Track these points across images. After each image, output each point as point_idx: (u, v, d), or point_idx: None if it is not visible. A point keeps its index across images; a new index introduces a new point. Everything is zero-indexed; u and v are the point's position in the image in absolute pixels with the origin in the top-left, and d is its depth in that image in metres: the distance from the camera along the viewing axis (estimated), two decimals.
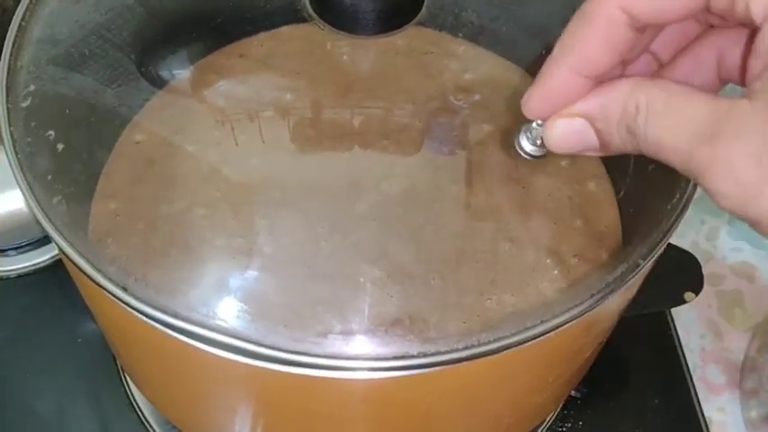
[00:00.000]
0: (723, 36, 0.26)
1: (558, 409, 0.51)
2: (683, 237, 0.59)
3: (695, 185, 0.33)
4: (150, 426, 0.50)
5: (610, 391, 0.53)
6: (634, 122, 0.23)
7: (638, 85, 0.23)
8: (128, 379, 0.51)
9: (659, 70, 0.28)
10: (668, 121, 0.22)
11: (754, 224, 0.22)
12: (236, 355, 0.29)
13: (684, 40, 0.27)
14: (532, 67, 0.41)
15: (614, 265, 0.32)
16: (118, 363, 0.51)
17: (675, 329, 0.56)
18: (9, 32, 0.36)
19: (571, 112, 0.25)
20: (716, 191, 0.21)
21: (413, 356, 0.29)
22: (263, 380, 0.31)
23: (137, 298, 0.30)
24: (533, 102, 0.25)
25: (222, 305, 0.33)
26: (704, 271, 0.46)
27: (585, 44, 0.23)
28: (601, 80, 0.25)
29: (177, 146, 0.39)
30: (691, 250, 0.47)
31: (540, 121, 0.27)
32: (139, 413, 0.50)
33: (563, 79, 0.24)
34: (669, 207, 0.32)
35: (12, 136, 0.34)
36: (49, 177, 0.34)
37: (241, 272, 0.34)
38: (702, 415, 0.52)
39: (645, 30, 0.24)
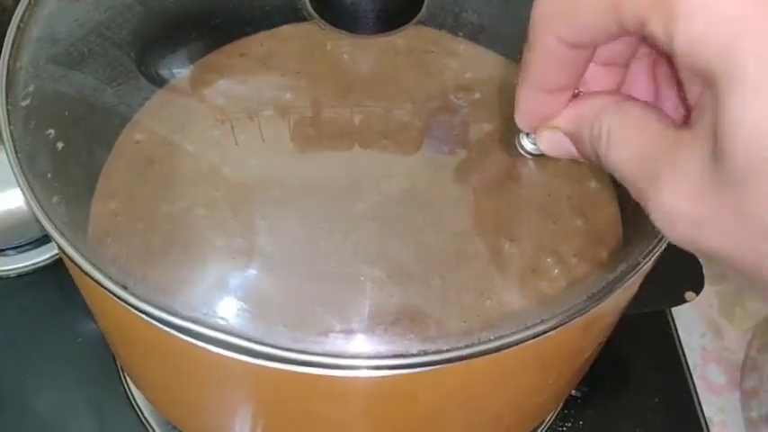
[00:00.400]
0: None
1: (559, 409, 0.51)
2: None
3: None
4: (150, 426, 0.50)
5: (610, 390, 0.53)
6: (599, 148, 0.24)
7: (601, 111, 0.24)
8: (128, 379, 0.51)
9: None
10: (623, 152, 0.23)
11: (707, 258, 0.22)
12: (236, 354, 0.29)
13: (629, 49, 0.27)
14: None
15: (614, 265, 0.32)
16: (118, 363, 0.51)
17: (676, 329, 0.56)
18: (8, 32, 0.36)
19: (552, 124, 0.26)
20: (661, 226, 0.22)
21: (413, 355, 0.29)
22: (263, 379, 0.31)
23: (137, 297, 0.30)
24: (520, 119, 0.27)
25: (222, 304, 0.33)
26: (705, 270, 0.46)
27: (538, 67, 0.25)
28: (576, 85, 0.26)
29: (177, 145, 0.39)
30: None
31: None
32: (139, 413, 0.50)
33: (533, 99, 0.26)
34: None
35: (11, 135, 0.34)
36: (49, 176, 0.34)
37: (241, 271, 0.34)
38: (703, 415, 0.52)
39: (586, 47, 0.24)
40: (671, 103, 0.26)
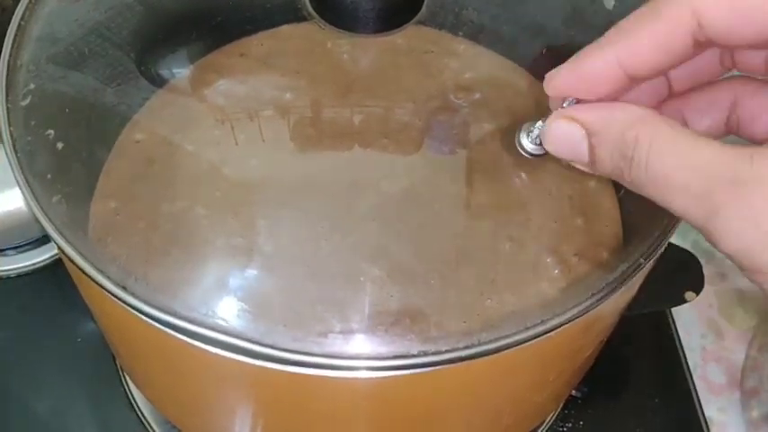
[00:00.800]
0: (743, 84, 0.26)
1: (559, 409, 0.51)
2: (685, 236, 0.59)
3: None
4: (150, 426, 0.50)
5: (610, 390, 0.53)
6: (632, 151, 0.23)
7: (645, 117, 0.23)
8: (128, 379, 0.51)
9: (668, 99, 0.27)
10: (677, 160, 0.22)
11: (756, 273, 0.21)
12: (235, 355, 0.29)
13: (704, 76, 0.27)
14: (533, 66, 0.41)
15: (615, 265, 0.32)
16: (118, 363, 0.51)
17: (676, 329, 0.56)
18: (9, 31, 0.36)
19: (574, 115, 0.24)
20: (726, 230, 0.21)
21: (413, 356, 0.29)
22: (262, 379, 0.31)
23: (137, 297, 0.30)
24: (561, 76, 0.25)
25: (222, 304, 0.33)
26: (705, 270, 0.46)
27: (642, 37, 0.23)
28: (631, 85, 0.24)
29: (177, 145, 0.38)
30: (692, 250, 0.47)
31: (541, 122, 0.27)
32: (139, 413, 0.50)
33: (601, 63, 0.24)
34: None
35: (11, 135, 0.33)
36: (49, 176, 0.34)
37: (241, 271, 0.34)
38: (703, 415, 0.52)
39: (706, 46, 0.23)
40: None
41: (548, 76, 0.25)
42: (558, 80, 0.25)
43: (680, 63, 0.24)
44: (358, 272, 0.34)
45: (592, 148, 0.24)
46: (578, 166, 0.26)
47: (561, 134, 0.25)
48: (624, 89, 0.25)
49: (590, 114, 0.24)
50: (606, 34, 0.24)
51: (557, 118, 0.25)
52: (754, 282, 0.22)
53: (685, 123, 0.27)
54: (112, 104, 0.39)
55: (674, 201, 0.22)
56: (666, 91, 0.27)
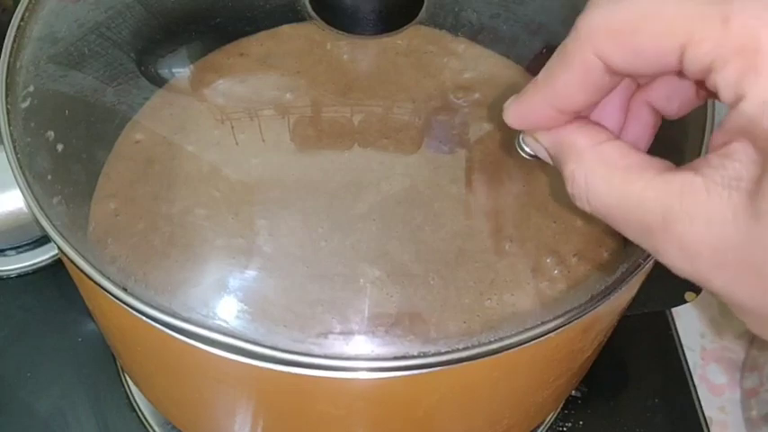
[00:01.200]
0: None
1: (559, 409, 0.51)
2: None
3: None
4: (150, 426, 0.50)
5: (610, 390, 0.53)
6: (571, 189, 0.24)
7: (579, 156, 0.24)
8: (128, 379, 0.51)
9: (635, 92, 0.27)
10: (613, 200, 0.23)
11: (715, 296, 0.22)
12: (236, 356, 0.29)
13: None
14: (532, 66, 0.41)
15: (615, 265, 0.32)
16: (118, 363, 0.51)
17: (676, 329, 0.56)
18: (9, 31, 0.36)
19: (536, 137, 0.26)
20: (672, 267, 0.22)
21: (413, 357, 0.29)
22: (262, 380, 0.31)
23: (137, 298, 0.30)
24: (511, 114, 0.26)
25: (222, 305, 0.33)
26: None
27: (562, 82, 0.24)
28: (577, 114, 0.25)
29: (177, 145, 0.38)
30: None
31: None
32: (139, 413, 0.50)
33: (538, 107, 0.25)
34: None
35: (11, 136, 0.34)
36: (49, 177, 0.34)
37: (241, 272, 0.34)
38: (703, 414, 0.52)
39: (624, 76, 0.24)
40: (633, 136, 0.26)
41: (504, 106, 0.26)
42: (510, 115, 0.26)
43: (609, 92, 0.24)
44: (358, 272, 0.34)
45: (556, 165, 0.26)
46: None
47: (534, 147, 0.27)
48: (566, 120, 0.25)
49: (546, 140, 0.26)
50: (539, 75, 0.25)
51: (525, 135, 0.27)
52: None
53: (656, 112, 0.27)
54: (112, 104, 0.39)
55: (624, 232, 0.23)
56: (634, 85, 0.27)
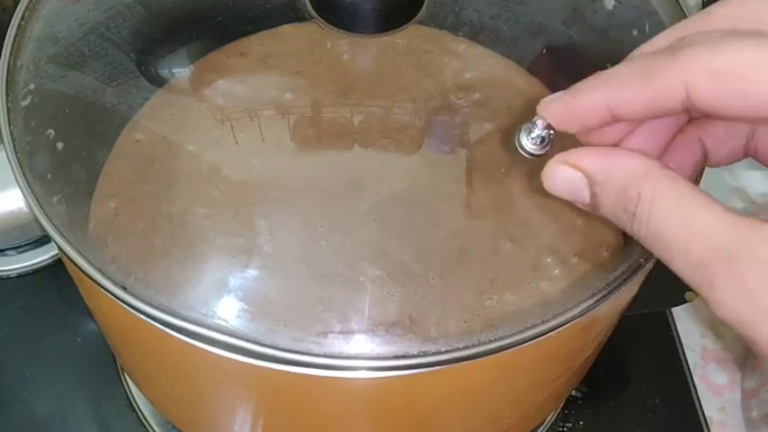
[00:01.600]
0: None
1: (559, 409, 0.51)
2: None
3: (696, 185, 0.33)
4: (150, 426, 0.50)
5: (610, 390, 0.53)
6: (634, 207, 0.23)
7: (648, 171, 0.23)
8: (128, 379, 0.51)
9: (686, 126, 0.27)
10: (677, 223, 0.22)
11: (752, 343, 0.22)
12: (236, 355, 0.29)
13: None
14: (533, 66, 0.41)
15: (615, 265, 0.32)
16: (118, 363, 0.51)
17: (676, 329, 0.56)
18: (9, 31, 0.36)
19: (576, 163, 0.25)
20: (721, 302, 0.21)
21: (413, 356, 0.29)
22: (263, 379, 0.31)
23: (137, 297, 0.30)
24: (556, 105, 0.25)
25: (222, 304, 0.33)
26: None
27: (632, 92, 0.23)
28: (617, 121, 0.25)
29: (177, 145, 0.38)
30: None
31: (540, 121, 0.27)
32: (139, 413, 0.50)
33: (593, 103, 0.24)
34: None
35: (11, 135, 0.34)
36: (49, 176, 0.34)
37: (241, 271, 0.34)
38: (703, 415, 0.52)
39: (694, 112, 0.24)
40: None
41: (544, 101, 0.25)
42: (553, 108, 0.25)
43: (668, 116, 0.24)
44: (358, 272, 0.34)
45: (594, 195, 0.25)
46: (580, 206, 0.26)
47: (562, 178, 0.25)
48: (610, 124, 0.25)
49: (592, 163, 0.24)
50: (602, 75, 0.24)
51: (557, 163, 0.25)
52: (754, 351, 0.22)
53: (705, 150, 0.27)
54: (112, 104, 0.39)
55: (673, 262, 0.22)
56: (685, 119, 0.27)
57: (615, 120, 0.24)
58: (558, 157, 0.25)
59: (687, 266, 0.22)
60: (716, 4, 0.25)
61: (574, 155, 0.25)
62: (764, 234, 0.21)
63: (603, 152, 0.24)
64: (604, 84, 0.24)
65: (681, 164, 0.27)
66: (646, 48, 0.26)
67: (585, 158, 0.25)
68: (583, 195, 0.25)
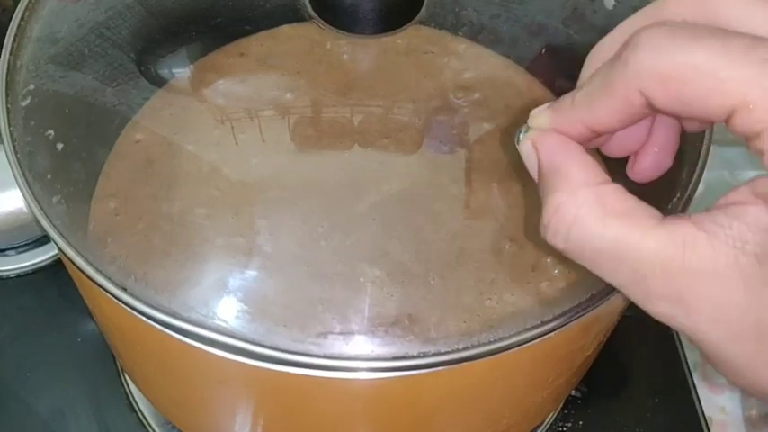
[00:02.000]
0: None
1: (559, 409, 0.51)
2: None
3: (696, 184, 0.33)
4: (150, 426, 0.50)
5: (610, 390, 0.53)
6: (553, 222, 0.23)
7: (572, 192, 0.23)
8: (128, 379, 0.51)
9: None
10: (603, 244, 0.22)
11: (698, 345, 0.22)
12: (235, 356, 0.29)
13: None
14: (533, 66, 0.41)
15: None
16: (118, 363, 0.51)
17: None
18: (9, 31, 0.36)
19: (536, 145, 0.25)
20: (660, 316, 0.22)
21: (413, 357, 0.29)
22: (262, 380, 0.31)
23: (136, 298, 0.30)
24: (543, 120, 0.26)
25: (222, 305, 0.33)
26: None
27: (601, 109, 0.24)
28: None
29: (177, 145, 0.38)
30: None
31: None
32: (139, 413, 0.50)
33: (571, 124, 0.25)
34: (670, 206, 0.32)
35: (11, 135, 0.34)
36: (49, 177, 0.34)
37: (241, 271, 0.34)
38: (703, 414, 0.52)
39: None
40: (662, 139, 0.26)
41: (532, 114, 0.26)
42: (540, 121, 0.26)
43: (644, 118, 0.24)
44: (358, 272, 0.34)
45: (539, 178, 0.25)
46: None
47: (526, 153, 0.26)
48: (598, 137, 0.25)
49: (544, 156, 0.25)
50: (576, 96, 0.25)
51: (526, 138, 0.26)
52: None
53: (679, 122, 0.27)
54: (112, 104, 0.39)
55: (605, 276, 0.23)
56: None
57: (598, 134, 0.25)
58: (532, 130, 0.26)
59: (621, 285, 0.22)
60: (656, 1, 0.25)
61: (541, 135, 0.25)
62: (699, 240, 0.21)
63: (555, 150, 0.25)
64: (578, 105, 0.24)
65: (666, 134, 0.27)
66: (599, 51, 0.26)
67: (544, 148, 0.25)
68: (534, 175, 0.26)
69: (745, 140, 0.21)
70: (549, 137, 0.25)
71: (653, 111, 0.23)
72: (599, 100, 0.24)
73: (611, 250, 0.22)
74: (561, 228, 0.23)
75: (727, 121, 0.21)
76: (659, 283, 0.21)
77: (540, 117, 0.26)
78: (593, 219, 0.23)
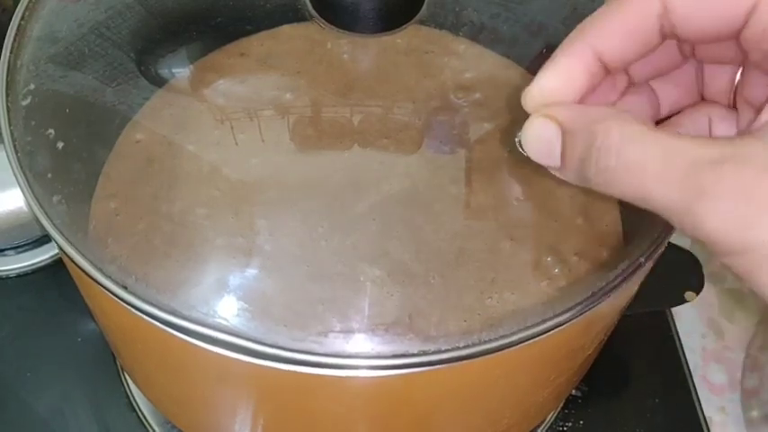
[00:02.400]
0: (713, 108, 0.27)
1: (559, 409, 0.51)
2: (685, 236, 0.59)
3: None
4: (150, 426, 0.50)
5: (610, 390, 0.53)
6: (600, 141, 0.22)
7: (618, 113, 0.23)
8: (128, 379, 0.51)
9: (628, 88, 0.27)
10: (652, 147, 0.21)
11: (733, 254, 0.21)
12: (236, 354, 0.29)
13: (664, 65, 0.27)
14: (532, 66, 0.41)
15: (615, 264, 0.32)
16: (118, 363, 0.51)
17: (676, 329, 0.56)
18: (9, 31, 0.36)
19: (549, 112, 0.24)
20: (714, 211, 0.21)
21: (413, 355, 0.29)
22: (263, 378, 0.31)
23: (137, 296, 0.30)
24: (539, 83, 0.25)
25: (222, 304, 0.33)
26: (705, 270, 0.46)
27: (614, 23, 0.23)
28: (603, 77, 0.25)
29: (177, 145, 0.39)
30: (692, 250, 0.47)
31: None
32: (139, 413, 0.50)
33: (580, 52, 0.24)
34: None
35: (12, 134, 0.34)
36: (49, 176, 0.34)
37: (241, 271, 0.34)
38: (703, 415, 0.52)
39: (671, 37, 0.24)
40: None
41: (525, 90, 0.25)
42: (536, 88, 0.25)
43: (647, 52, 0.24)
44: (358, 271, 0.34)
45: (564, 146, 0.24)
46: (553, 172, 0.25)
47: (537, 134, 0.25)
48: (597, 84, 0.25)
49: (564, 111, 0.24)
50: (578, 27, 0.24)
51: (534, 118, 0.25)
52: (728, 264, 0.21)
53: (656, 99, 0.27)
54: (112, 104, 0.39)
55: (651, 189, 0.21)
56: (625, 84, 0.27)
57: (605, 70, 0.24)
58: (533, 114, 0.25)
59: (668, 188, 0.21)
60: None
61: (548, 108, 0.25)
62: (751, 140, 0.20)
63: (575, 105, 0.25)
64: (585, 29, 0.24)
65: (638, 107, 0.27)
66: None
67: (559, 109, 0.24)
68: (554, 151, 0.24)
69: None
70: (558, 105, 0.25)
71: (663, 36, 0.23)
72: (613, 15, 0.23)
73: (661, 149, 0.21)
74: (612, 141, 0.22)
75: (745, 24, 0.21)
76: (714, 174, 0.20)
77: (538, 82, 0.25)
78: (639, 128, 0.22)
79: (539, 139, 0.25)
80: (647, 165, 0.21)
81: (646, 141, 0.21)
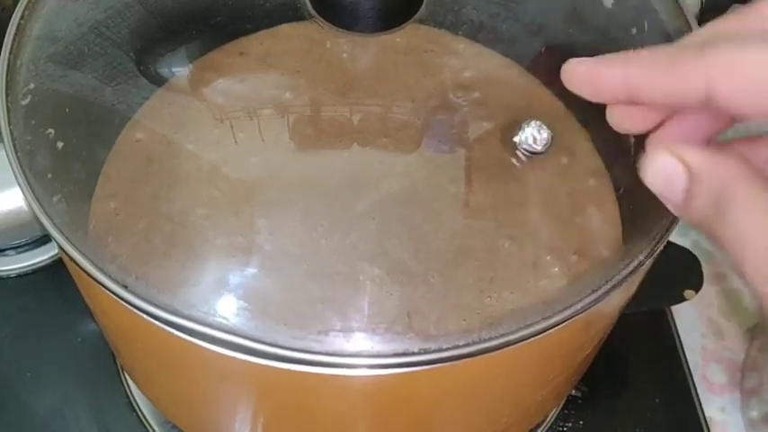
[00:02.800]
0: None
1: (559, 409, 0.51)
2: (685, 235, 0.59)
3: None
4: (150, 426, 0.50)
5: (610, 390, 0.53)
6: (726, 206, 0.22)
7: (747, 174, 0.23)
8: (128, 379, 0.51)
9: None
10: (762, 224, 0.22)
11: None
12: (236, 353, 0.29)
13: None
14: (532, 65, 0.41)
15: (614, 263, 0.32)
16: (118, 362, 0.51)
17: (676, 329, 0.56)
18: (8, 30, 0.36)
19: (683, 155, 0.24)
20: None
21: (413, 354, 0.29)
22: (263, 377, 0.31)
23: (137, 296, 0.30)
24: (578, 67, 0.26)
25: (222, 303, 0.33)
26: (705, 270, 0.46)
27: (656, 77, 0.24)
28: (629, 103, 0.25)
29: (177, 144, 0.39)
30: (692, 249, 0.47)
31: (537, 122, 0.27)
32: (139, 413, 0.50)
33: (613, 77, 0.25)
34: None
35: (11, 134, 0.34)
36: (49, 176, 0.34)
37: (241, 270, 0.34)
38: (703, 415, 0.52)
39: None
40: None
41: (570, 62, 0.26)
42: (576, 68, 0.26)
43: (683, 109, 0.24)
44: (358, 270, 0.34)
45: (690, 192, 0.24)
46: (666, 204, 0.26)
47: (663, 169, 0.25)
48: (622, 103, 0.25)
49: (695, 156, 0.24)
50: (630, 54, 0.25)
51: (663, 151, 0.25)
52: None
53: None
54: (112, 104, 0.39)
55: (746, 263, 0.22)
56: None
57: (628, 100, 0.25)
58: (663, 145, 0.25)
59: (760, 265, 0.22)
60: (749, 4, 0.25)
61: (680, 147, 0.24)
62: None
63: (706, 150, 0.24)
64: (632, 61, 0.24)
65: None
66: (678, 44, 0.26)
67: (691, 153, 0.24)
68: (676, 189, 0.24)
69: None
70: (685, 146, 0.24)
71: (700, 106, 0.23)
72: (659, 65, 0.23)
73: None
74: (736, 210, 0.22)
75: None
76: None
77: (577, 64, 0.26)
78: (762, 201, 0.22)
79: (662, 174, 0.25)
80: (750, 243, 0.22)
81: (758, 211, 0.22)
